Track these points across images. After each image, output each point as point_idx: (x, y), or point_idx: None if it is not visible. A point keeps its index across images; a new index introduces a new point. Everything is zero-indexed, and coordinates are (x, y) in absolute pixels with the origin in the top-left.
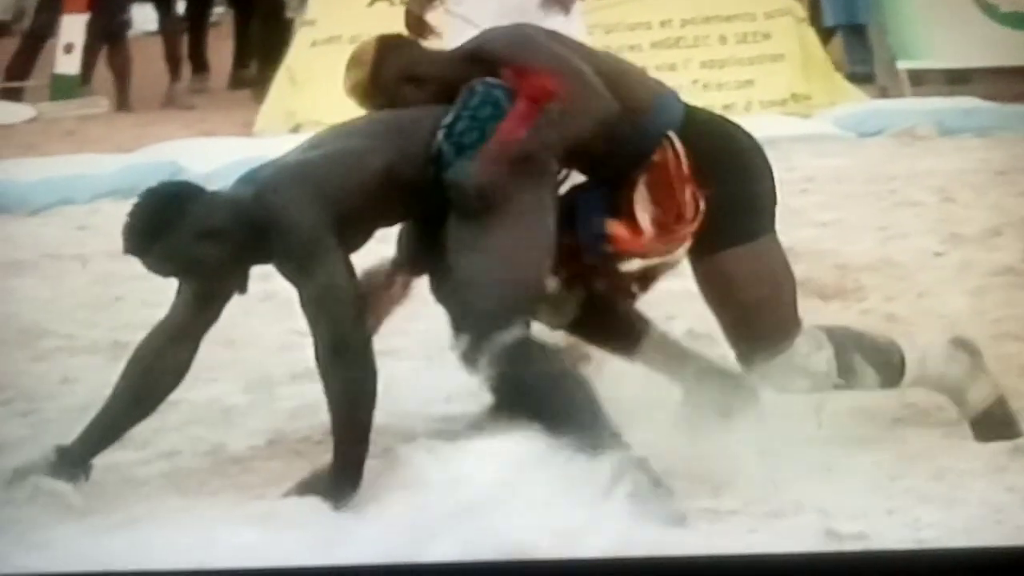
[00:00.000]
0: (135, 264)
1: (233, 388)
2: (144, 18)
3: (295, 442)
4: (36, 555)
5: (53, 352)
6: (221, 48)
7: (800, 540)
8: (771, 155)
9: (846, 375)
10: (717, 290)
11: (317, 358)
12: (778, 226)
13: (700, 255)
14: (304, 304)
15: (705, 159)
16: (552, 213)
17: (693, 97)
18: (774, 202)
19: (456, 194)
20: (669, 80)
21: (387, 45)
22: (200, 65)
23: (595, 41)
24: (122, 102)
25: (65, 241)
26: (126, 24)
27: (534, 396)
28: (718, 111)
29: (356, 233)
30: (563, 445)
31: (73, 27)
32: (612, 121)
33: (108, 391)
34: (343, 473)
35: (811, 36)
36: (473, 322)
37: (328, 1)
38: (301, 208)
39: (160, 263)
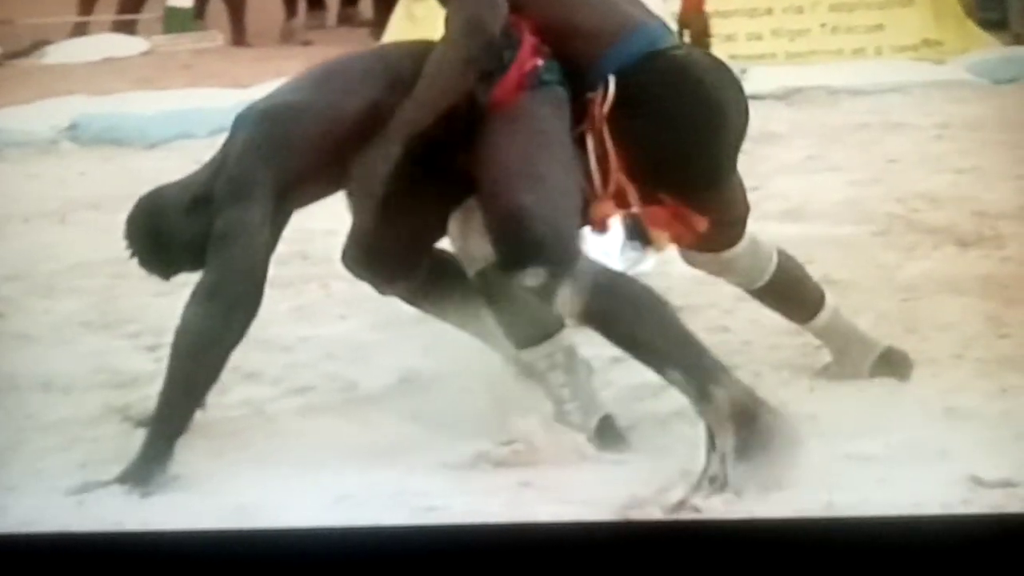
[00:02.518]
0: None
1: (362, 325)
2: None
3: (427, 380)
4: (169, 488)
5: (178, 287)
6: None
7: (944, 488)
8: (904, 100)
9: (776, 283)
10: None
11: (193, 293)
12: (916, 172)
13: None
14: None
15: (651, 102)
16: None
17: (822, 40)
18: (725, 154)
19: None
20: (796, 22)
21: None
22: (316, 1)
23: None
24: (237, 37)
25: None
26: None
27: (633, 326)
28: (848, 55)
29: (321, 182)
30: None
31: None
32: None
33: None
34: (149, 443)
35: None
36: (544, 253)
37: None
38: (246, 151)
39: (191, 262)
